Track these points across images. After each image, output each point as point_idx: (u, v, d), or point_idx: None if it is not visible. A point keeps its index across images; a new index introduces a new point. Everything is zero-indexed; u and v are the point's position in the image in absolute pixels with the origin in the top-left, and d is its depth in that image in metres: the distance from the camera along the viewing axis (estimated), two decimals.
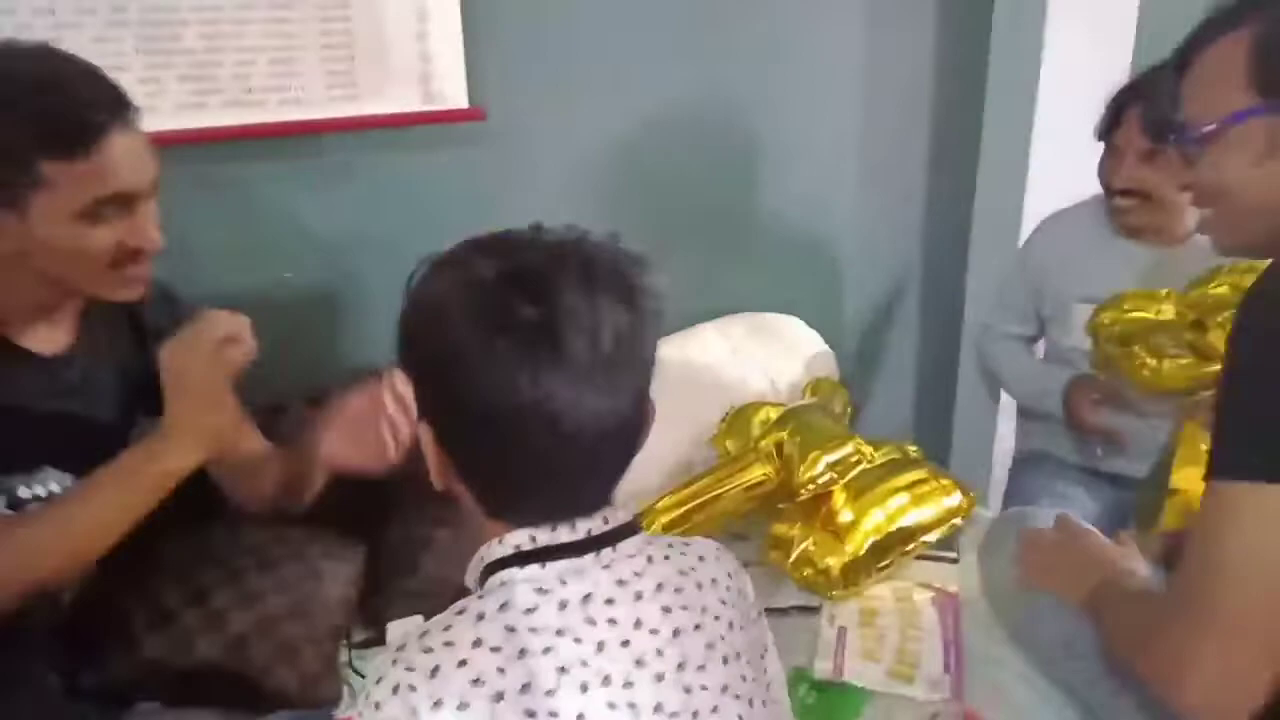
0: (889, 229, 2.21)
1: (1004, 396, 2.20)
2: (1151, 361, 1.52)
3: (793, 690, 1.25)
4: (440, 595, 1.24)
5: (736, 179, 1.99)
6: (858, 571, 1.39)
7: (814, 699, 1.24)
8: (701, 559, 0.82)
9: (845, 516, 1.43)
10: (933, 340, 2.32)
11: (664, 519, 1.46)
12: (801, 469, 1.47)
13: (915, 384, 2.37)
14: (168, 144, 1.14)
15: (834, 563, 1.37)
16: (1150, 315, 1.52)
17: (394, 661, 0.72)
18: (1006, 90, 2.08)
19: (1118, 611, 1.05)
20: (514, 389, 0.70)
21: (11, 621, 1.05)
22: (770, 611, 1.40)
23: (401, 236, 1.27)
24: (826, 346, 1.99)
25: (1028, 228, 1.99)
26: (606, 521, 0.77)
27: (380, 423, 1.16)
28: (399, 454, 1.17)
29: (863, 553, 1.40)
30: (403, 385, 1.14)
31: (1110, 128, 1.64)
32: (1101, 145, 1.69)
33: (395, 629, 1.33)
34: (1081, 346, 1.72)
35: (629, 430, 0.77)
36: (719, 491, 1.49)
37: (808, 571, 1.39)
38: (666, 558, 0.80)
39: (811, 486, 1.47)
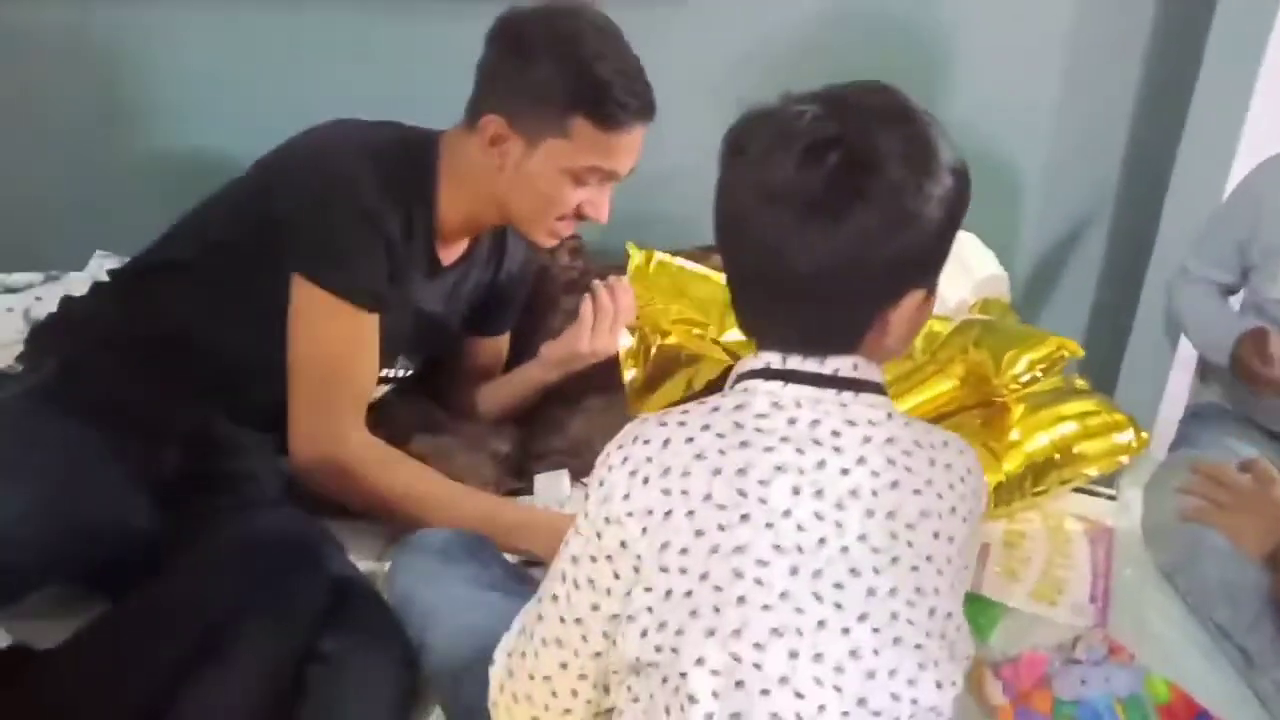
0: (1084, 154, 2.08)
1: (1181, 349, 2.09)
2: None
3: None
4: (586, 456, 1.33)
5: (921, 78, 1.89)
6: (1011, 492, 1.36)
7: None
8: (945, 444, 0.83)
9: (1014, 434, 1.40)
10: (1114, 278, 2.20)
11: None
12: (1003, 368, 1.43)
13: (1088, 323, 2.26)
14: None
15: (989, 480, 1.35)
16: None
17: (631, 434, 0.78)
18: (1236, 16, 1.91)
19: None
20: (774, 228, 0.75)
21: None
22: None
23: None
24: (1001, 269, 1.91)
25: (1237, 174, 1.85)
26: (856, 368, 0.80)
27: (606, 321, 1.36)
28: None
29: (1020, 475, 1.37)
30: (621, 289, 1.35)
31: None
32: None
33: (541, 481, 1.40)
34: None
35: (873, 273, 0.77)
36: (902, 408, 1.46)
37: None
38: (907, 424, 0.82)
39: (1015, 387, 1.43)
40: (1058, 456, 1.39)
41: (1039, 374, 1.42)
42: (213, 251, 1.22)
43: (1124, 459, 1.45)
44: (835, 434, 0.77)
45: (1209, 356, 1.75)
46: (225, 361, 1.19)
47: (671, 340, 1.56)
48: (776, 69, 1.72)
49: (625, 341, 1.48)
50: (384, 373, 1.31)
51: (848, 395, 0.79)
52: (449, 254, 1.31)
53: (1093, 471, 1.44)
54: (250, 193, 1.23)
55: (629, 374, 1.51)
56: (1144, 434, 1.46)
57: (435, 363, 1.46)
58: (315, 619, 1.01)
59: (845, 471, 0.76)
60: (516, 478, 1.44)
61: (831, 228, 0.74)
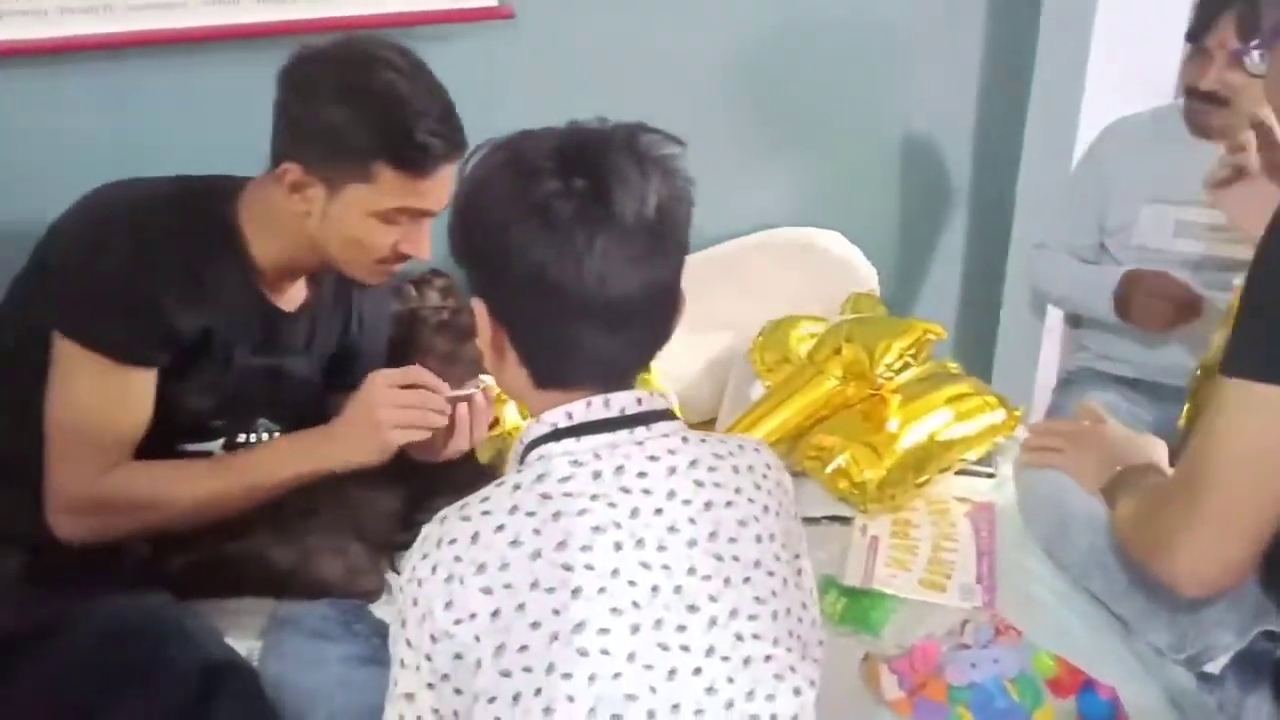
0: (937, 144, 2.15)
1: (1049, 319, 2.16)
2: None
3: (821, 596, 1.26)
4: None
5: (775, 80, 1.92)
6: (894, 486, 1.38)
7: (843, 605, 1.25)
8: (740, 448, 0.84)
9: (892, 426, 1.43)
10: (978, 258, 2.27)
11: None
12: (876, 359, 1.48)
13: (959, 304, 2.32)
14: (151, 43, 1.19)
15: (871, 476, 1.37)
16: None
17: (434, 538, 0.75)
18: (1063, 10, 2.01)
19: (1129, 497, 1.08)
20: (568, 248, 0.74)
21: None
22: (805, 521, 1.41)
23: None
24: (868, 263, 1.95)
25: (1082, 143, 1.94)
26: (641, 402, 0.80)
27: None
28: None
29: (901, 467, 1.39)
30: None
31: (1202, 30, 1.59)
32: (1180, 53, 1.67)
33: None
34: (1150, 245, 1.71)
35: (665, 304, 0.82)
36: (786, 415, 1.48)
37: (844, 484, 1.39)
38: (703, 440, 0.82)
39: (890, 376, 1.49)
40: (935, 444, 1.42)
41: (910, 360, 1.46)
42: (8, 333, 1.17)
43: (999, 438, 1.49)
44: (641, 475, 0.77)
45: (1089, 312, 1.81)
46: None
47: None
48: (617, 83, 1.72)
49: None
50: (244, 438, 1.26)
51: (641, 431, 0.79)
52: (287, 300, 1.25)
53: (970, 454, 1.47)
54: (29, 267, 1.18)
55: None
56: (1016, 411, 1.50)
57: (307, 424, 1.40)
58: (183, 712, 0.95)
59: (659, 511, 0.76)
60: (404, 528, 1.39)
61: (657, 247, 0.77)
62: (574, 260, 0.74)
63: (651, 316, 0.81)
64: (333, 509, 1.30)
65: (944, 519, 1.39)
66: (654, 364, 1.55)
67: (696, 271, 1.77)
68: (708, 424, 1.66)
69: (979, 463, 1.50)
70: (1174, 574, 0.93)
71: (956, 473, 1.48)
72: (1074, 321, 1.98)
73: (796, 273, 1.87)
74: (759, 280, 1.82)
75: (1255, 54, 1.06)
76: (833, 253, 1.94)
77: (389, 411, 1.13)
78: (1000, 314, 2.25)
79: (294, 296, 1.27)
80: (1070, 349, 2.02)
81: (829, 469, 1.40)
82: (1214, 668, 1.03)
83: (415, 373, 1.16)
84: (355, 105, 1.09)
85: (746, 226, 1.94)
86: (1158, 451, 1.20)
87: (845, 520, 1.40)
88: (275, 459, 1.17)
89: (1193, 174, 1.62)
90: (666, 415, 0.82)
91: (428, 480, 1.38)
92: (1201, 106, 1.63)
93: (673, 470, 0.78)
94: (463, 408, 1.18)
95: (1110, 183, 1.78)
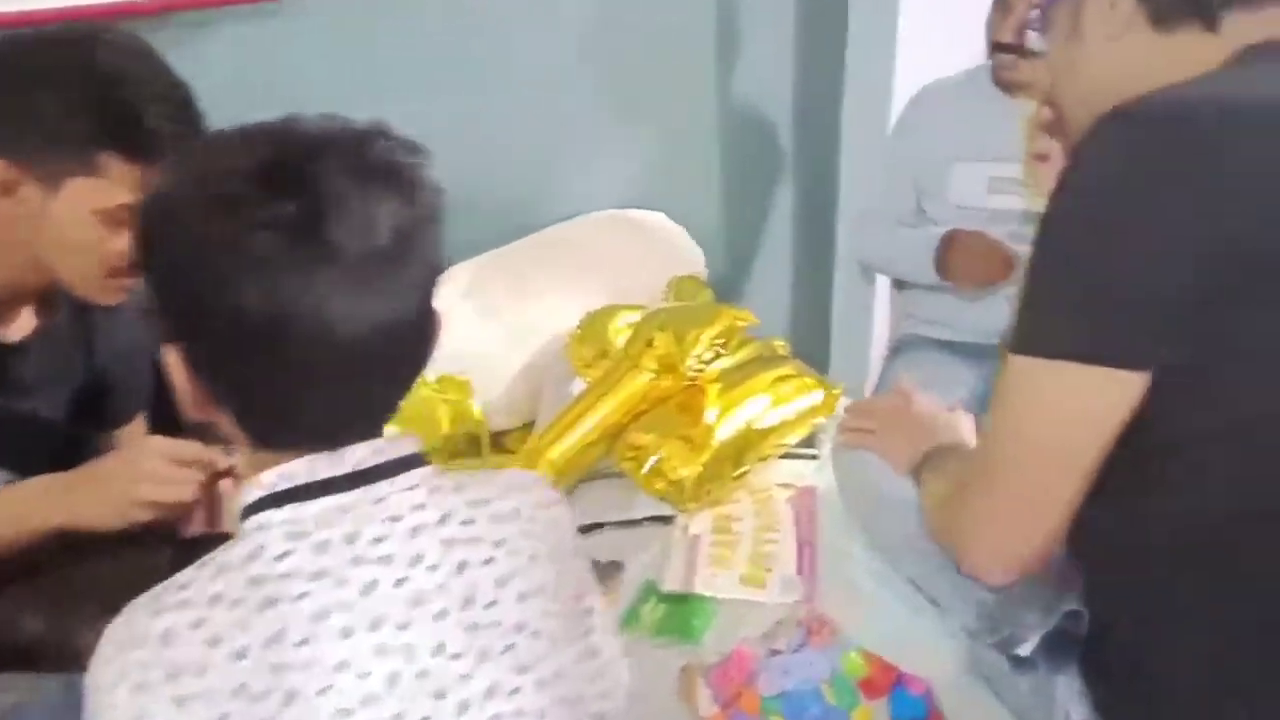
0: (758, 117, 2.11)
1: (879, 287, 2.16)
2: None
3: (641, 605, 1.20)
4: None
5: (591, 60, 1.84)
6: (712, 480, 1.33)
7: (662, 612, 1.19)
8: (508, 488, 0.74)
9: (710, 417, 1.37)
10: (807, 231, 2.25)
11: (554, 457, 1.36)
12: (686, 350, 1.41)
13: (792, 278, 2.30)
14: None
15: (688, 474, 1.31)
16: None
17: (119, 639, 0.63)
18: None
19: (932, 480, 1.05)
20: (274, 292, 0.61)
21: None
22: (622, 524, 1.35)
23: None
24: (693, 243, 1.90)
25: (898, 107, 1.93)
26: (379, 452, 0.69)
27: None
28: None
29: (718, 460, 1.33)
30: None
31: None
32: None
33: None
34: (967, 204, 1.72)
35: (412, 341, 0.70)
36: (604, 413, 1.40)
37: (660, 484, 1.33)
38: (457, 489, 0.72)
39: (700, 367, 1.42)
40: (752, 433, 1.37)
41: (720, 349, 1.41)
42: None
43: (820, 419, 1.45)
44: (378, 541, 0.66)
45: (912, 276, 1.81)
46: None
47: None
48: (388, 75, 1.61)
49: None
50: None
51: (381, 487, 0.68)
52: (10, 330, 1.11)
53: (792, 438, 1.43)
54: None
55: None
56: (835, 390, 1.47)
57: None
58: None
59: (401, 582, 0.66)
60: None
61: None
62: (285, 304, 0.62)
63: (391, 358, 0.68)
64: (91, 570, 1.16)
65: (766, 509, 1.35)
66: (465, 368, 1.49)
67: (513, 262, 1.73)
68: (527, 427, 1.57)
69: (802, 445, 1.46)
70: (974, 563, 0.90)
71: (781, 457, 1.45)
72: (900, 287, 1.98)
73: (620, 257, 1.79)
74: (580, 268, 1.74)
75: (1032, 34, 1.02)
76: (657, 234, 1.88)
77: (151, 487, 0.99)
78: (833, 286, 2.23)
79: (20, 326, 1.11)
80: (899, 316, 2.02)
81: (644, 469, 1.33)
82: (1024, 649, 1.01)
83: (194, 450, 1.02)
84: (73, 88, 0.95)
85: (567, 211, 1.86)
86: (964, 429, 1.18)
87: (667, 520, 1.34)
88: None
89: (1004, 130, 1.64)
90: (413, 462, 0.70)
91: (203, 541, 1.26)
92: (1006, 59, 1.64)
93: (417, 530, 0.67)
94: (225, 483, 1.04)
95: (924, 145, 1.78)
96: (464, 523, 0.70)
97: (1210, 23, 0.82)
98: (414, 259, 0.67)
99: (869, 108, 2.05)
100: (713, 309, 1.48)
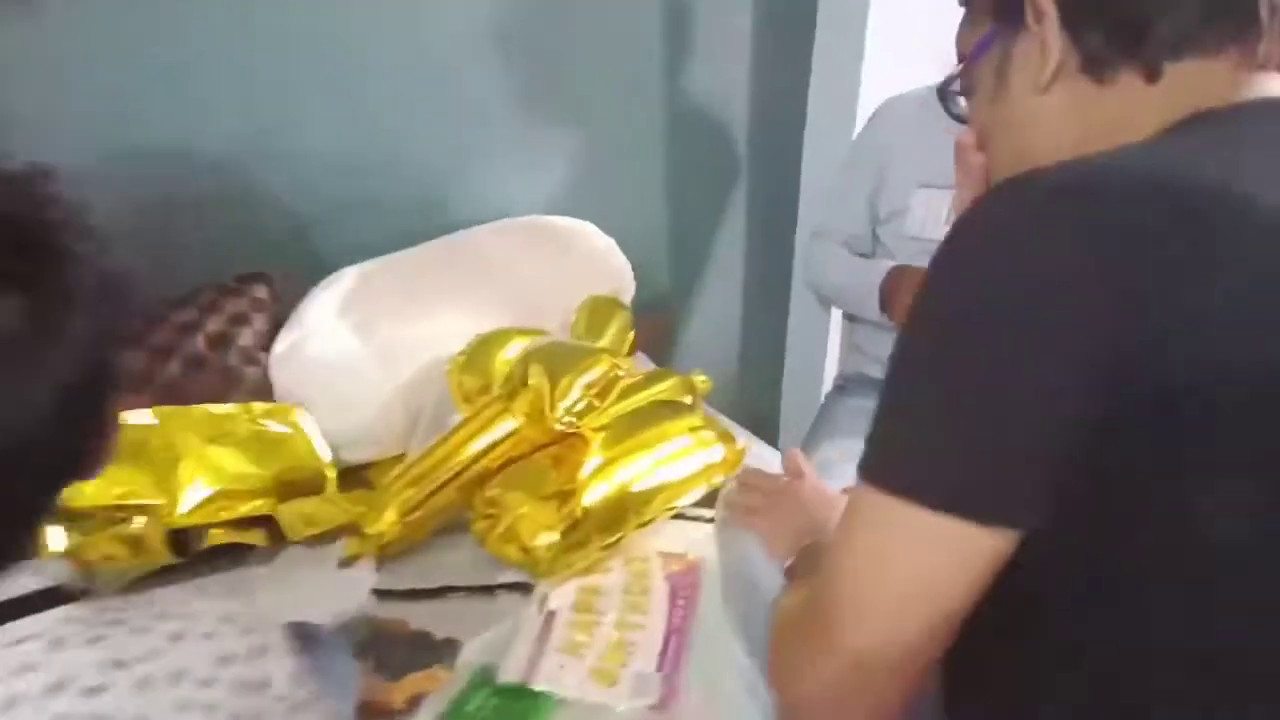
0: (712, 124, 1.91)
1: (835, 316, 1.97)
2: None
3: (471, 696, 1.03)
4: None
5: (525, 50, 1.64)
6: (577, 550, 1.15)
7: (491, 709, 1.01)
8: (176, 637, 0.56)
9: (586, 469, 1.19)
10: (762, 248, 2.06)
11: (403, 503, 1.19)
12: (554, 398, 1.22)
13: (743, 298, 2.11)
14: None
15: (545, 541, 1.12)
16: None
17: None
18: None
19: (787, 593, 0.86)
20: None
21: None
22: (476, 590, 1.17)
23: None
24: (622, 258, 1.71)
25: (863, 119, 1.73)
26: None
27: None
28: None
29: (586, 526, 1.15)
30: None
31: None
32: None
33: None
34: (922, 235, 1.53)
35: (49, 451, 0.55)
36: (466, 459, 1.22)
37: (513, 550, 1.14)
38: (98, 639, 0.54)
39: (569, 419, 1.22)
40: (632, 498, 1.18)
41: (594, 401, 1.21)
42: None
43: (719, 479, 1.27)
44: None
45: (858, 309, 1.63)
46: None
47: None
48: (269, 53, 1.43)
49: None
50: None
51: None
52: None
53: (684, 499, 1.24)
54: None
55: None
56: (740, 449, 1.28)
57: None
58: None
59: None
60: None
61: None
62: None
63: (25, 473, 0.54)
64: None
65: (639, 584, 1.16)
66: (333, 384, 1.31)
67: (405, 268, 1.53)
68: (399, 459, 1.39)
69: (700, 504, 1.28)
70: (786, 705, 0.71)
71: (672, 517, 1.26)
72: (849, 318, 1.79)
73: (532, 271, 1.60)
74: (482, 279, 1.54)
75: (956, 99, 0.84)
76: (580, 246, 1.68)
77: None
78: (789, 311, 2.04)
79: None
80: (846, 349, 1.83)
81: (499, 530, 1.15)
82: None
83: None
84: None
85: (481, 215, 1.67)
86: None
87: (527, 590, 1.17)
88: None
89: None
90: (37, 602, 0.54)
91: None
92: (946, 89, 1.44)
93: (13, 702, 0.50)
94: None
95: (883, 166, 1.59)
96: (90, 690, 0.51)
97: (1150, 73, 0.64)
98: (40, 347, 0.52)
99: (836, 117, 1.86)
100: (594, 352, 1.28)
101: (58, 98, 1.26)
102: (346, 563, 1.21)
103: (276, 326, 1.43)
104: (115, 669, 0.53)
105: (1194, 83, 0.63)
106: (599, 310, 1.55)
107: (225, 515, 1.18)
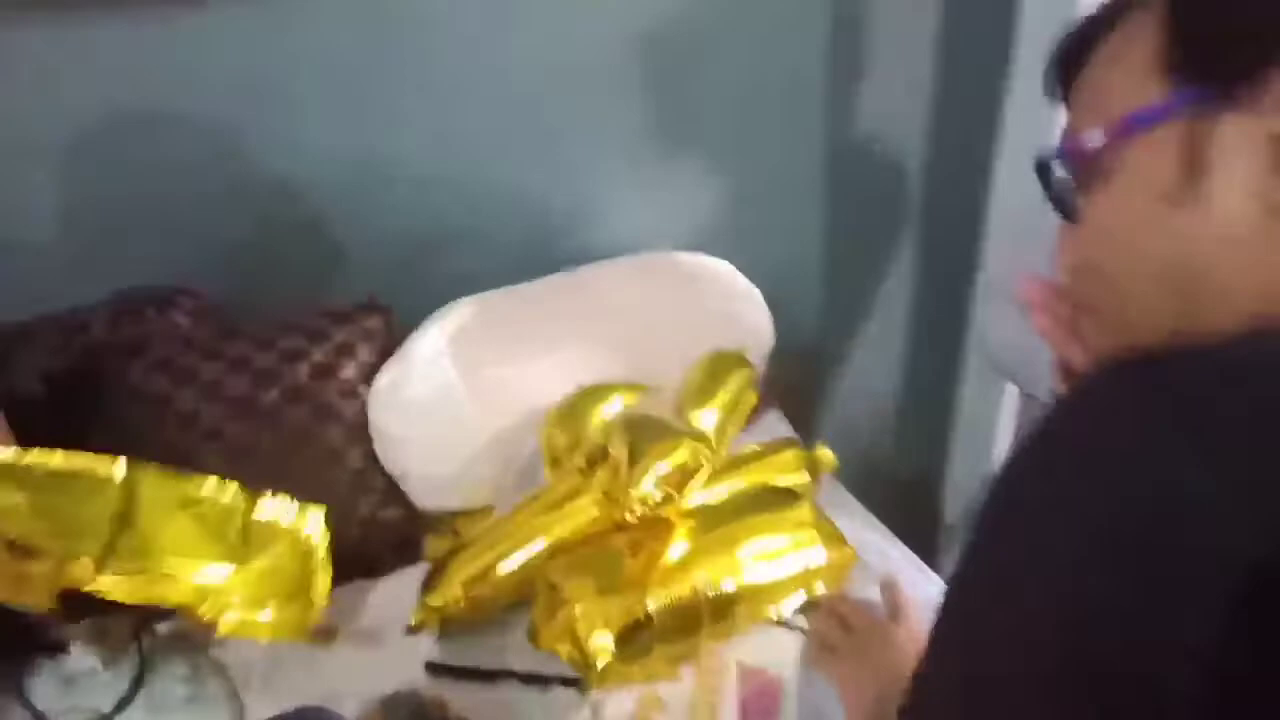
0: (878, 158, 1.71)
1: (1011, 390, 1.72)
2: None
3: None
4: None
5: (678, 74, 1.51)
6: (636, 659, 1.01)
7: None
8: None
9: (673, 554, 1.06)
10: (933, 305, 1.83)
11: (466, 579, 1.09)
12: (631, 483, 1.08)
13: (907, 357, 1.89)
14: None
15: (601, 645, 0.99)
16: None
17: None
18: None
19: None
20: None
21: None
22: (531, 679, 1.06)
23: None
24: (761, 305, 1.54)
25: None
26: None
27: None
28: None
29: (652, 631, 1.01)
30: None
31: None
32: None
33: None
34: None
35: None
36: (537, 537, 1.11)
37: (567, 648, 1.01)
38: None
39: (640, 509, 1.09)
40: (708, 603, 1.03)
41: (672, 491, 1.06)
42: None
43: (819, 586, 1.09)
44: None
45: (1034, 387, 1.41)
46: None
47: None
48: (403, 71, 1.37)
49: None
50: None
51: None
52: None
53: (774, 607, 1.08)
54: None
55: None
56: (847, 549, 1.10)
57: None
58: None
59: None
60: None
61: None
62: None
63: None
64: None
65: (706, 699, 1.01)
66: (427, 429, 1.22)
67: (515, 306, 1.42)
68: (488, 511, 1.31)
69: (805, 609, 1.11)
70: None
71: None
72: (1027, 396, 1.55)
73: (654, 315, 1.46)
74: (598, 322, 1.42)
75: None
76: (712, 289, 1.52)
77: None
78: (959, 379, 1.81)
79: None
80: (1022, 429, 1.59)
81: (552, 624, 1.03)
82: None
83: None
84: None
85: (609, 249, 1.55)
86: None
87: (585, 687, 1.04)
88: None
89: None
90: None
91: None
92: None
93: None
94: None
95: None
96: None
97: None
98: None
99: (1028, 163, 1.61)
100: (676, 432, 1.11)
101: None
102: (414, 630, 1.13)
103: (384, 358, 1.37)
104: None
105: None
106: (717, 367, 1.39)
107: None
